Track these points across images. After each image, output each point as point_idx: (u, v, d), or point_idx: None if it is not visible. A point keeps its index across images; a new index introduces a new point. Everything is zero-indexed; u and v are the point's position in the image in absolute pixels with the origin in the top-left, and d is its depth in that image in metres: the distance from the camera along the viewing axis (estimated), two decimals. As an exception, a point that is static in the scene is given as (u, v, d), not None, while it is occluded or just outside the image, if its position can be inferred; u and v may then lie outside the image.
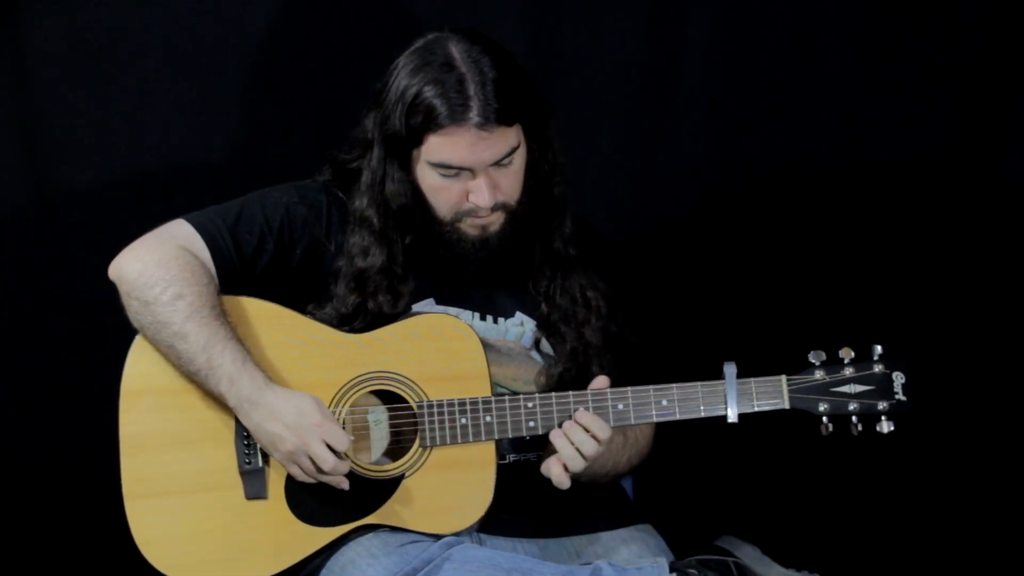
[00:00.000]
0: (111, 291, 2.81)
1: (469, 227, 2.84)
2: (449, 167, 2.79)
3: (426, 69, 2.78)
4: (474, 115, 2.74)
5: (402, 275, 2.87)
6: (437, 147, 2.78)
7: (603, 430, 2.78)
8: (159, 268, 2.75)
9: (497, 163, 2.79)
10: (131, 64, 3.44)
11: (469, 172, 2.79)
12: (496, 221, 2.84)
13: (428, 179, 2.82)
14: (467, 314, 2.92)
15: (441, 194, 2.82)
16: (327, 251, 2.89)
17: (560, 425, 2.79)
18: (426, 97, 2.76)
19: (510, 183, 2.83)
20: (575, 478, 2.81)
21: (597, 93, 3.61)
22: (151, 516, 2.76)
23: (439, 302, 2.91)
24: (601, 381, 2.81)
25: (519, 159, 2.83)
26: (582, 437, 2.77)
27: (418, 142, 2.79)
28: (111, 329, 2.82)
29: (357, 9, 3.49)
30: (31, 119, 3.42)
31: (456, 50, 2.79)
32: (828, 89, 3.59)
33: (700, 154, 3.62)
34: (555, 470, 2.79)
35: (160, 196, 3.44)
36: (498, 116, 2.75)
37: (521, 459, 2.90)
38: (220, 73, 3.47)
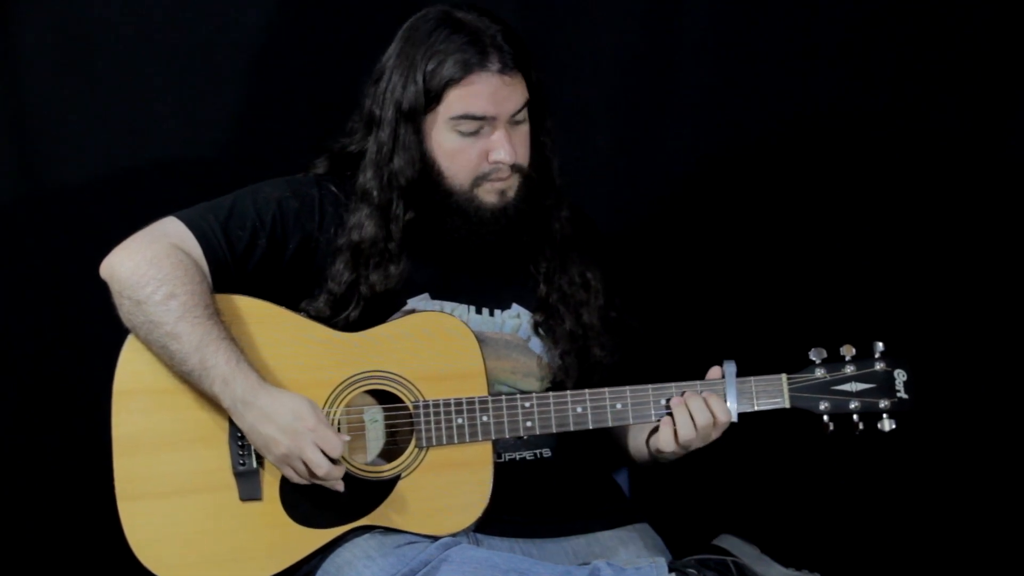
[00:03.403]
0: (103, 290, 2.79)
1: (487, 193, 2.82)
2: (473, 118, 2.78)
3: (436, 31, 2.79)
4: (495, 61, 2.77)
5: (396, 254, 2.85)
6: (459, 99, 2.77)
7: (723, 412, 2.78)
8: (151, 267, 2.72)
9: (513, 118, 2.80)
10: (122, 60, 3.43)
11: (488, 128, 2.78)
12: (513, 185, 2.83)
13: (446, 143, 2.81)
14: (463, 307, 2.90)
15: (459, 157, 2.81)
16: (320, 245, 2.86)
17: (562, 424, 2.79)
18: (443, 54, 2.77)
19: (523, 144, 2.84)
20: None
21: (593, 88, 3.60)
22: (144, 518, 2.74)
23: (434, 296, 2.90)
24: (714, 372, 2.81)
25: (527, 120, 2.83)
26: (703, 414, 2.77)
27: (437, 101, 2.79)
28: (103, 329, 2.81)
29: (351, 4, 3.47)
30: (22, 116, 3.41)
31: (458, 13, 2.82)
32: (826, 83, 3.58)
33: (698, 150, 3.61)
34: (665, 431, 2.78)
35: (152, 193, 3.42)
36: (515, 60, 2.78)
37: (517, 458, 2.89)
38: (211, 68, 3.46)
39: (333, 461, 2.69)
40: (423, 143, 2.82)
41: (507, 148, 2.79)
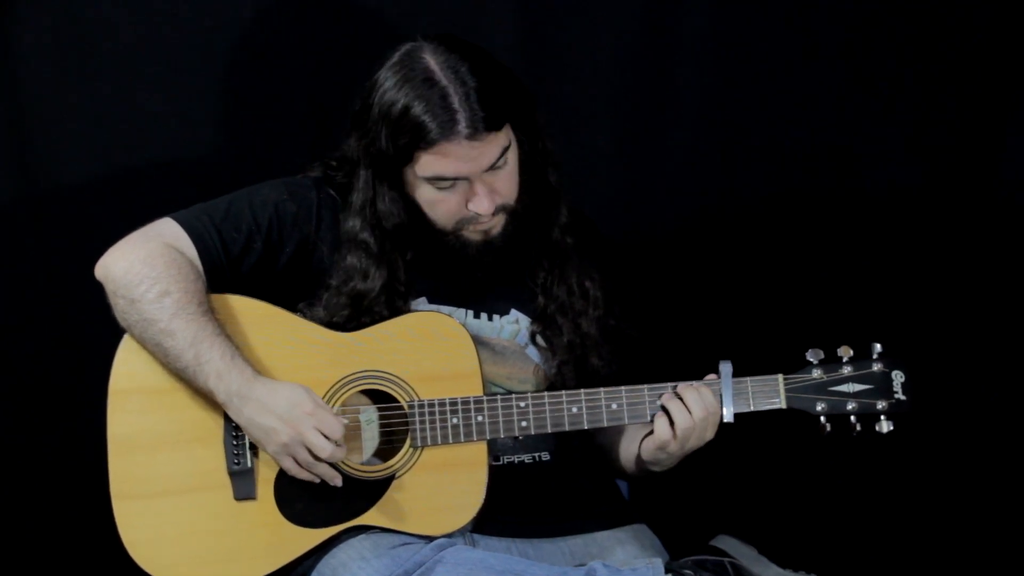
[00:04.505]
0: (99, 290, 2.79)
1: (472, 233, 2.81)
2: (444, 179, 2.76)
3: (407, 86, 2.74)
4: (463, 128, 2.71)
5: (404, 292, 2.85)
6: (429, 163, 2.74)
7: (713, 404, 2.76)
8: (144, 266, 2.73)
9: (491, 167, 2.76)
10: (120, 61, 3.42)
11: (465, 180, 2.76)
12: (498, 224, 2.82)
13: (424, 194, 2.79)
14: (460, 312, 2.90)
15: (439, 206, 2.80)
16: (317, 249, 2.86)
17: (557, 424, 2.79)
18: (411, 116, 2.72)
19: (506, 184, 2.80)
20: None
21: (593, 91, 3.59)
22: (139, 517, 2.74)
23: (432, 300, 2.89)
24: (711, 377, 2.79)
25: (512, 158, 2.80)
26: (699, 404, 2.75)
27: (408, 160, 2.76)
28: (99, 329, 2.81)
29: (347, 3, 3.46)
30: (18, 116, 3.41)
31: (434, 62, 2.74)
32: (825, 85, 3.57)
33: (697, 151, 3.60)
34: (660, 423, 2.77)
35: (150, 193, 3.42)
36: (486, 124, 2.72)
37: (515, 461, 2.88)
38: (209, 69, 3.44)
39: (334, 444, 2.68)
40: (403, 189, 2.81)
41: (486, 201, 2.76)
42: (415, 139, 2.72)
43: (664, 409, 2.76)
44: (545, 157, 2.87)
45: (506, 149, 2.77)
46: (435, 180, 2.76)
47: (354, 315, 2.82)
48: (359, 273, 2.82)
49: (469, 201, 2.77)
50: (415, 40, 2.79)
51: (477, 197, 2.76)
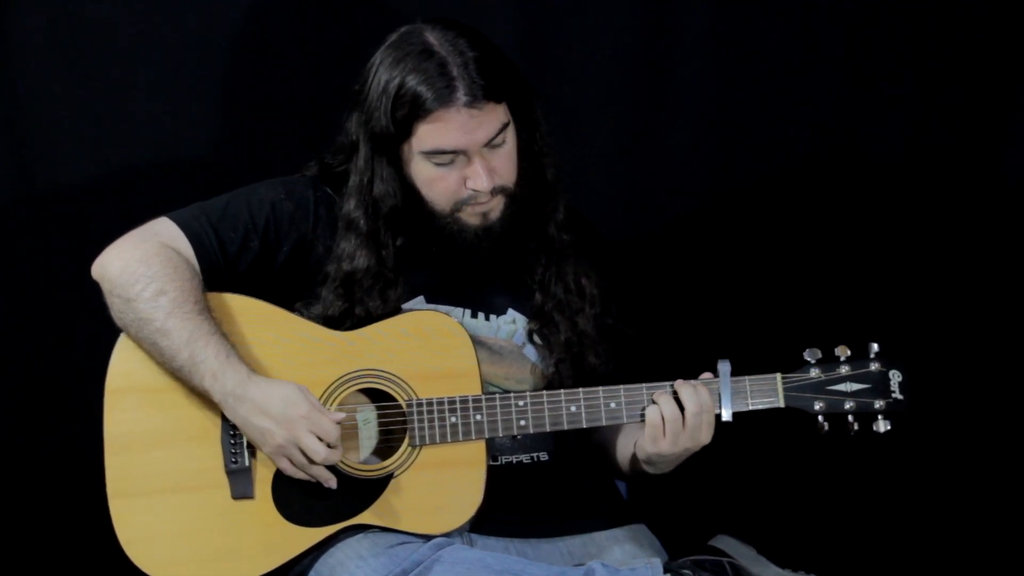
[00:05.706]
0: (95, 289, 2.79)
1: (470, 216, 2.80)
2: (443, 152, 2.75)
3: (405, 60, 2.74)
4: (461, 95, 2.71)
5: (392, 279, 2.84)
6: (428, 134, 2.74)
7: (708, 400, 2.75)
8: (140, 265, 2.72)
9: (490, 144, 2.76)
10: (116, 60, 3.42)
11: (464, 157, 2.76)
12: (496, 207, 2.81)
13: (423, 172, 2.79)
14: (458, 311, 2.89)
15: (437, 185, 2.79)
16: (314, 248, 2.86)
17: (555, 423, 2.78)
18: (410, 87, 2.73)
19: (505, 164, 2.80)
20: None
21: (593, 91, 3.59)
22: (135, 515, 2.74)
23: (429, 299, 2.88)
24: (706, 375, 2.79)
25: (511, 139, 2.80)
26: (693, 400, 2.74)
27: (407, 134, 2.75)
28: (96, 327, 2.81)
29: (347, 3, 3.46)
30: (15, 115, 3.41)
31: (432, 37, 2.76)
32: (824, 85, 3.57)
33: (697, 150, 3.60)
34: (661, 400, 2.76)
35: (148, 193, 3.42)
36: (485, 92, 2.72)
37: (513, 461, 2.88)
38: (206, 68, 3.45)
39: (330, 446, 2.68)
40: (401, 169, 2.80)
41: (483, 177, 2.76)
42: (413, 110, 2.72)
43: (657, 403, 2.76)
44: (543, 151, 2.87)
45: (505, 126, 2.77)
46: (433, 154, 2.75)
47: (347, 306, 2.81)
48: (348, 255, 2.82)
49: (467, 179, 2.77)
50: (414, 23, 2.81)
51: (476, 173, 2.76)
